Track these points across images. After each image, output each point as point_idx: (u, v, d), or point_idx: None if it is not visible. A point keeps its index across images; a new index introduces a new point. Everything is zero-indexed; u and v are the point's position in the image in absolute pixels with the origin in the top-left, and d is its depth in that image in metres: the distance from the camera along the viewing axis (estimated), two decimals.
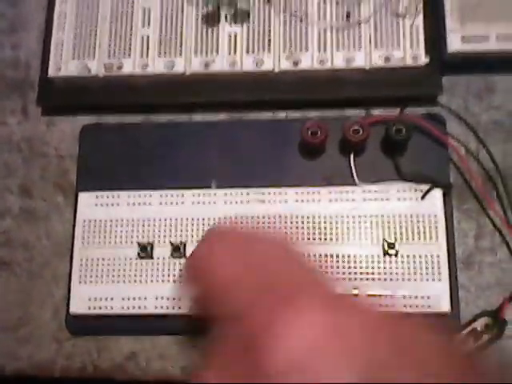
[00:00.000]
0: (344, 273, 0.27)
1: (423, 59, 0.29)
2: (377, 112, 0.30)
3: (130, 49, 0.30)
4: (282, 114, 0.31)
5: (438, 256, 0.27)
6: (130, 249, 0.28)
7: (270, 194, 0.29)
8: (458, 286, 0.27)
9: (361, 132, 0.28)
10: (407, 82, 0.29)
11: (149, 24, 0.30)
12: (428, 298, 0.27)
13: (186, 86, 0.30)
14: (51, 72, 0.30)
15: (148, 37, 0.30)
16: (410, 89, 0.29)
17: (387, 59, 0.29)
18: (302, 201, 0.28)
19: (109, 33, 0.30)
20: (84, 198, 0.29)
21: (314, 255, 0.28)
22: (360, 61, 0.29)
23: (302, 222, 0.28)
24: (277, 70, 0.29)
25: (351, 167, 0.29)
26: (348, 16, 0.29)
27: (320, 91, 0.29)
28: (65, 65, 0.30)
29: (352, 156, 0.29)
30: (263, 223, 0.28)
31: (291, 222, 0.28)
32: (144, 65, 0.30)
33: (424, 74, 0.29)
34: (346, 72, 0.29)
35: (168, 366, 0.28)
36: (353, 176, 0.29)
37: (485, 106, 0.30)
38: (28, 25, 0.33)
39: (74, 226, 0.29)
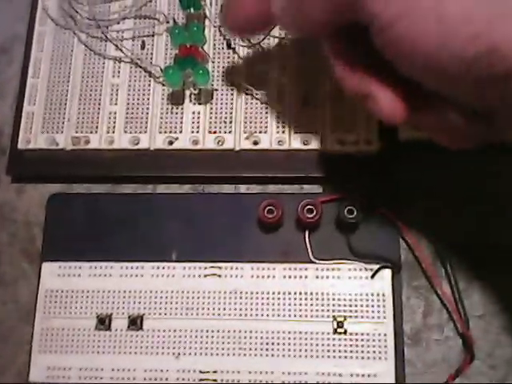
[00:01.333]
0: (295, 350, 0.28)
1: (376, 144, 0.30)
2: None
3: (97, 124, 0.31)
4: (243, 187, 0.32)
5: (385, 335, 0.28)
6: (88, 320, 0.29)
7: (226, 268, 0.30)
8: (404, 363, 0.28)
9: (314, 211, 0.29)
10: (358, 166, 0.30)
11: (116, 101, 0.32)
12: (375, 376, 0.28)
13: (149, 161, 0.31)
14: (21, 145, 0.31)
15: (115, 113, 0.32)
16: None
17: (341, 142, 0.30)
18: (258, 276, 0.29)
19: (77, 108, 0.32)
20: (47, 267, 0.30)
21: (267, 332, 0.29)
22: (315, 143, 0.30)
23: (257, 298, 0.29)
24: (237, 148, 0.31)
25: (306, 244, 0.30)
26: (305, 100, 0.31)
27: (278, 169, 0.31)
28: (34, 138, 0.31)
29: (307, 233, 0.30)
30: (219, 298, 0.29)
31: (246, 298, 0.29)
32: (110, 140, 0.31)
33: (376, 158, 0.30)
34: (302, 152, 0.31)
35: None
36: (307, 253, 0.30)
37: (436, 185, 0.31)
38: (3, 92, 0.35)
39: (36, 294, 0.30)
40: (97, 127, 0.31)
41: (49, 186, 0.33)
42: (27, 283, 0.31)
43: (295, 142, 0.30)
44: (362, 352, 0.28)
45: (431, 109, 0.23)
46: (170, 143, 0.31)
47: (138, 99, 0.32)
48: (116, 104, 0.32)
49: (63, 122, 0.32)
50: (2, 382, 0.30)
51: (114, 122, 0.31)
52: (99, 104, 0.32)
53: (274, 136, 0.31)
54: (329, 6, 0.22)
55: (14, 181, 0.33)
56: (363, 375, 0.28)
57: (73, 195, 0.32)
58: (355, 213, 0.29)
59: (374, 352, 0.28)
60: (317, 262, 0.29)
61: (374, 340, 0.28)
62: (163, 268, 0.30)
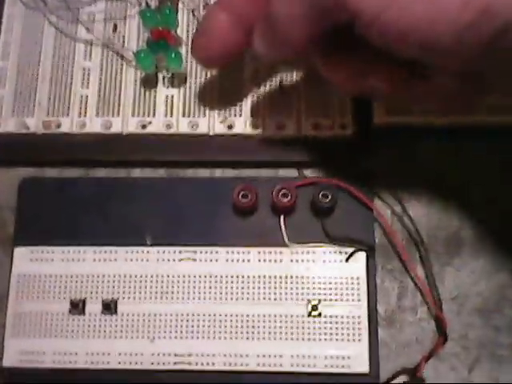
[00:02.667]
0: (270, 333, 0.28)
1: (350, 129, 0.30)
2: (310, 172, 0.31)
3: (68, 108, 0.31)
4: (218, 171, 0.32)
5: (359, 317, 0.28)
6: (62, 304, 0.29)
7: (201, 252, 0.29)
8: (378, 345, 0.28)
9: (289, 196, 0.29)
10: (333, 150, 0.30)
11: (88, 85, 0.31)
12: (348, 358, 0.28)
13: (123, 145, 0.31)
14: None
15: (87, 97, 0.31)
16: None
17: (316, 127, 0.30)
18: (233, 260, 0.29)
19: (48, 92, 0.31)
20: (19, 252, 0.30)
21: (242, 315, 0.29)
22: (290, 128, 0.30)
23: (232, 282, 0.29)
24: (211, 133, 0.31)
25: (281, 228, 0.30)
26: (281, 84, 0.31)
27: (252, 153, 0.31)
28: (4, 121, 0.31)
29: (282, 217, 0.30)
30: (194, 282, 0.29)
31: (221, 282, 0.29)
32: (82, 124, 0.31)
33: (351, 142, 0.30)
34: (277, 137, 0.30)
35: None
36: (283, 237, 0.30)
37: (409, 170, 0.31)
38: None
39: (9, 279, 0.30)
40: (68, 111, 0.31)
41: (20, 170, 0.32)
42: (0, 269, 0.31)
43: (270, 127, 0.30)
44: (337, 334, 0.28)
45: (419, 78, 0.23)
46: (143, 127, 0.31)
47: (110, 82, 0.31)
48: (88, 87, 0.31)
49: (34, 106, 0.31)
50: None
51: (86, 106, 0.31)
52: (70, 87, 0.31)
53: (249, 120, 0.30)
54: (310, 13, 0.22)
55: None
56: (337, 357, 0.28)
57: (44, 179, 0.32)
58: (330, 197, 0.29)
59: (349, 334, 0.28)
60: (292, 245, 0.29)
61: (348, 322, 0.28)
62: (137, 252, 0.30)
